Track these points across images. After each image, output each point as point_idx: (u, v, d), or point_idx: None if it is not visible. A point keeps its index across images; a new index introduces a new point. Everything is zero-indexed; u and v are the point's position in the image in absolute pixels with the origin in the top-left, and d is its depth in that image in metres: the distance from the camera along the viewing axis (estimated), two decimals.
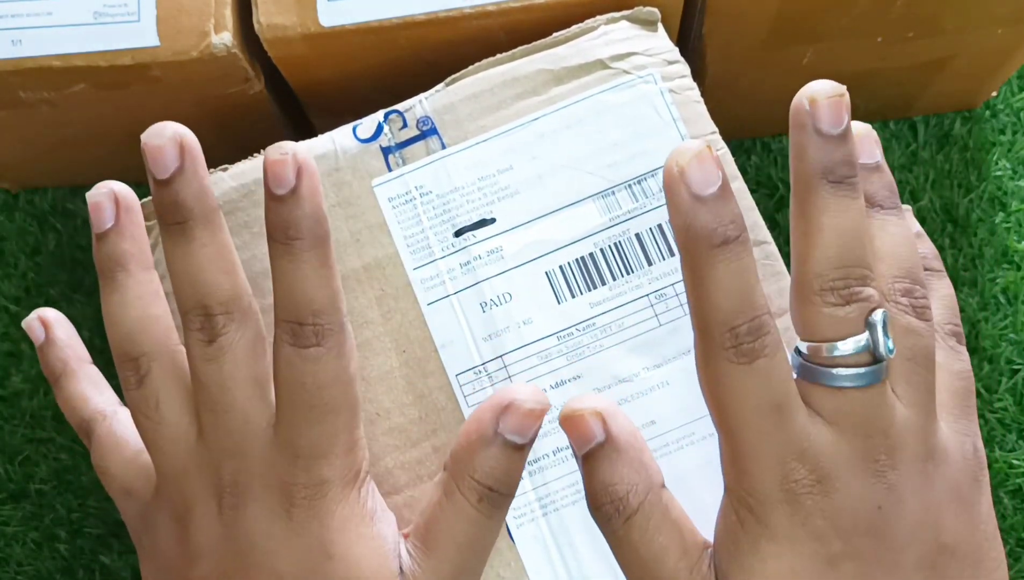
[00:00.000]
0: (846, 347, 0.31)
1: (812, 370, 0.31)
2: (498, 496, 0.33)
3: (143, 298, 0.36)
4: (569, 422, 0.33)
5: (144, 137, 0.35)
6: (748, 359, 0.31)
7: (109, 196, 0.37)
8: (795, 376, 0.32)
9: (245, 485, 0.34)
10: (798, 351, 0.32)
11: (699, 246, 0.31)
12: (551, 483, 0.37)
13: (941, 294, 0.36)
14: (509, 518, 0.37)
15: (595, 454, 0.32)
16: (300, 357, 0.33)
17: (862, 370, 0.31)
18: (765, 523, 0.31)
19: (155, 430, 0.35)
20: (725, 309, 0.31)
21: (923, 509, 0.31)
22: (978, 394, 0.53)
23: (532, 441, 0.33)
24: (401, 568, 0.34)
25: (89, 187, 0.58)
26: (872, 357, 0.31)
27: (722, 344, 0.31)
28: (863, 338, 0.31)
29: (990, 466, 0.52)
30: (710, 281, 0.31)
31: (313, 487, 0.33)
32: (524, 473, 0.37)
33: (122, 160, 0.49)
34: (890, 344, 0.31)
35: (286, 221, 0.33)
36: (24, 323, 0.40)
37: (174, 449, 0.35)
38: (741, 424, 0.31)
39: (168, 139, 0.34)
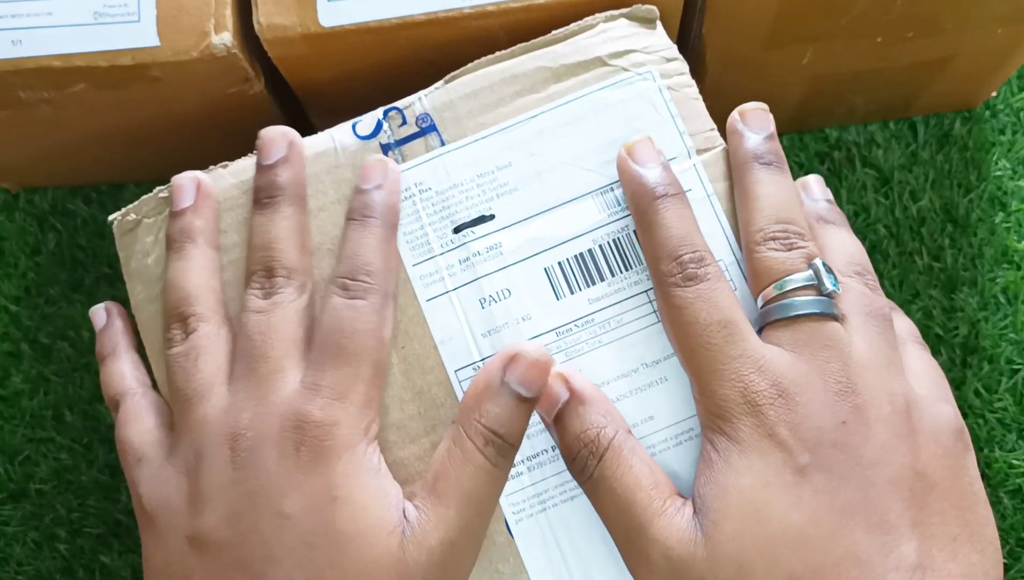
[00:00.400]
0: (793, 281, 0.35)
1: (767, 310, 0.36)
2: (504, 445, 0.35)
3: (206, 269, 0.39)
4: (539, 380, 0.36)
5: (261, 131, 0.40)
6: (693, 282, 0.36)
7: (192, 180, 0.40)
8: (756, 329, 0.36)
9: (262, 428, 0.35)
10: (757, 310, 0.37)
11: (645, 199, 0.37)
12: (549, 479, 0.37)
13: (900, 321, 0.39)
14: (508, 513, 0.37)
15: (564, 412, 0.36)
16: (344, 305, 0.37)
17: (811, 298, 0.35)
18: (735, 438, 0.34)
19: (188, 381, 0.37)
20: (670, 245, 0.36)
21: (894, 436, 0.34)
22: (978, 394, 0.53)
23: (537, 397, 0.36)
24: (406, 517, 0.35)
25: (89, 187, 0.58)
26: (818, 291, 0.35)
27: (670, 272, 0.36)
28: (807, 273, 0.36)
29: (990, 466, 0.52)
30: (656, 225, 0.37)
31: (325, 427, 0.35)
32: (523, 467, 0.37)
33: (122, 160, 0.49)
34: (833, 279, 0.35)
35: (365, 203, 0.39)
36: (91, 310, 0.42)
37: (200, 400, 0.37)
38: (696, 344, 0.35)
39: (281, 135, 0.40)
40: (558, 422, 0.36)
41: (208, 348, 0.38)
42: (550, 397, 0.36)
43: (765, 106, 0.39)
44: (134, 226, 0.41)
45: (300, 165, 0.40)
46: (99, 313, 0.42)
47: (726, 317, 0.35)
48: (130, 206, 0.41)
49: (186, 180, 0.40)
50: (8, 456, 0.55)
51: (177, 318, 0.38)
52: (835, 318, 0.35)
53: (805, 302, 0.35)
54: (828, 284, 0.35)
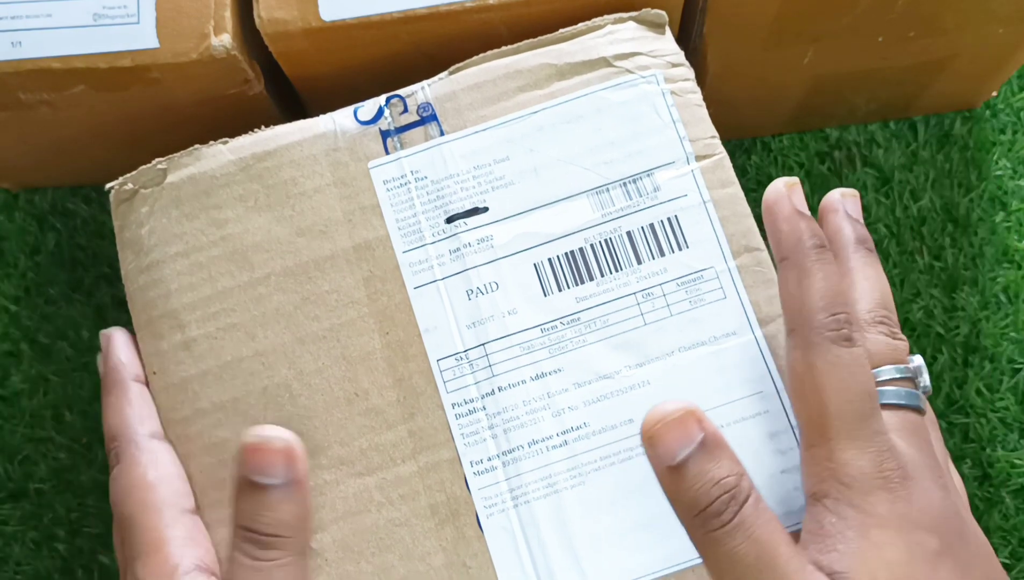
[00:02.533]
0: (900, 371, 0.35)
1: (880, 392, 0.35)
2: (261, 537, 0.35)
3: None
4: (666, 429, 0.34)
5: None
6: (849, 343, 0.34)
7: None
8: None
9: None
10: None
11: (801, 248, 0.35)
12: (524, 475, 0.37)
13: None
14: (479, 507, 0.37)
15: (696, 455, 0.33)
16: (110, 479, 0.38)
17: (913, 391, 0.35)
18: (869, 512, 0.32)
19: None
20: (825, 301, 0.34)
21: (976, 523, 0.34)
22: (979, 393, 0.53)
23: (286, 482, 0.35)
24: None
25: (89, 187, 0.58)
26: (914, 384, 0.35)
27: (825, 326, 0.34)
28: (913, 365, 0.36)
29: (992, 466, 0.52)
30: (814, 276, 0.35)
31: None
32: (498, 462, 0.37)
33: (122, 161, 0.49)
34: (927, 379, 0.36)
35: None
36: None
37: None
38: (843, 407, 0.33)
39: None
40: (689, 464, 0.33)
41: None
42: (684, 436, 0.33)
43: (857, 193, 0.40)
44: (130, 196, 0.41)
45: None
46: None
47: (870, 388, 0.34)
48: (128, 176, 0.41)
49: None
50: (8, 456, 0.55)
51: None
52: (923, 412, 0.35)
53: (910, 394, 0.35)
54: (926, 382, 0.36)
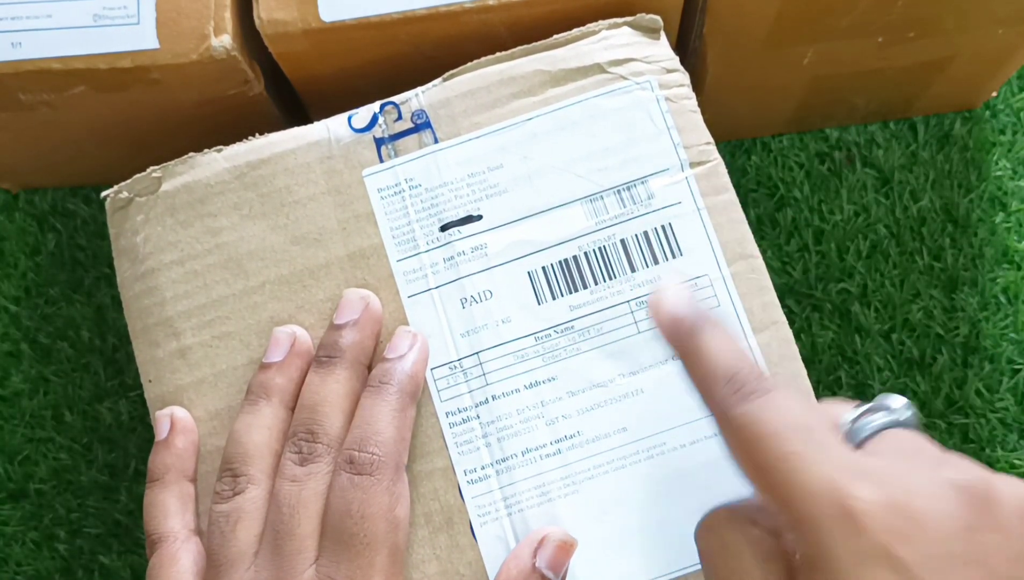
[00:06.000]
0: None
1: None
2: None
3: (271, 429, 0.37)
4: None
5: (345, 290, 0.39)
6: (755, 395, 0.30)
7: (289, 337, 0.39)
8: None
9: None
10: None
11: (682, 334, 0.33)
12: (518, 483, 0.37)
13: None
14: (473, 516, 0.37)
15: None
16: (351, 484, 0.35)
17: None
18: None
19: (223, 546, 0.36)
20: (721, 368, 0.31)
21: None
22: (979, 394, 0.53)
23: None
24: None
25: (89, 187, 0.58)
26: None
27: (727, 394, 0.30)
28: None
29: (991, 466, 0.52)
30: (701, 353, 0.32)
31: None
32: (491, 471, 0.37)
33: (122, 161, 0.49)
34: None
35: (385, 370, 0.37)
36: (157, 414, 0.39)
37: (228, 572, 0.35)
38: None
39: (359, 298, 0.38)
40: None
41: (251, 514, 0.36)
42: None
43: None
44: (126, 204, 0.41)
45: (370, 331, 0.38)
46: (163, 423, 0.39)
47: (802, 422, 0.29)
48: (123, 184, 0.41)
49: (283, 335, 0.38)
50: (8, 456, 0.55)
51: (230, 473, 0.37)
52: None
53: None
54: None
